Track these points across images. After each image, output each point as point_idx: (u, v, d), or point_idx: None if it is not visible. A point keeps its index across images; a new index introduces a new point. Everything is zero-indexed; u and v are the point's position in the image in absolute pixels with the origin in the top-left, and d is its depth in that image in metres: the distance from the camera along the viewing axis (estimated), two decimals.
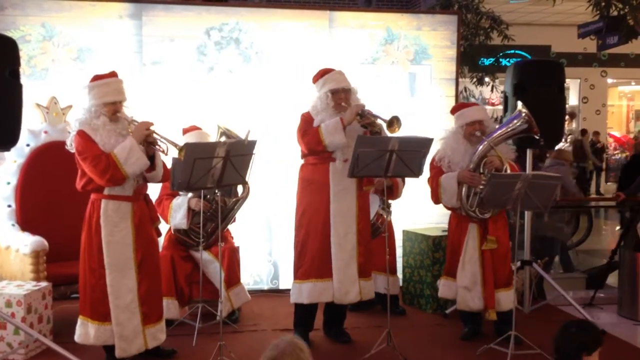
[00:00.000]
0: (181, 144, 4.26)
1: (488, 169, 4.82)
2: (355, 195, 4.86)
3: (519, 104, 4.97)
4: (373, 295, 5.02)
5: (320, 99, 4.81)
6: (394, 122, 4.59)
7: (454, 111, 5.16)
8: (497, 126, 5.10)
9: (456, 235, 5.05)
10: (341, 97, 4.79)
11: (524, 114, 4.84)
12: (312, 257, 4.81)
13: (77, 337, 4.40)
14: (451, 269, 5.08)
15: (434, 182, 5.00)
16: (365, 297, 4.91)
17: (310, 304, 4.86)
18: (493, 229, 4.91)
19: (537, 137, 4.94)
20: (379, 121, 4.75)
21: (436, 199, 5.03)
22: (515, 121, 4.89)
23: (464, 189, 4.88)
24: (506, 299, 4.92)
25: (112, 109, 4.33)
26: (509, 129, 4.90)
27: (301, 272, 4.85)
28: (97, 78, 4.39)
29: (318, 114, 4.78)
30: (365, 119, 4.75)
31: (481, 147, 4.87)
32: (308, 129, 4.74)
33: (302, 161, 4.99)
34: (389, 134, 4.68)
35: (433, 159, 5.07)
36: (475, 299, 4.95)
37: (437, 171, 5.02)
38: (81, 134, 4.28)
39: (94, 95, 4.33)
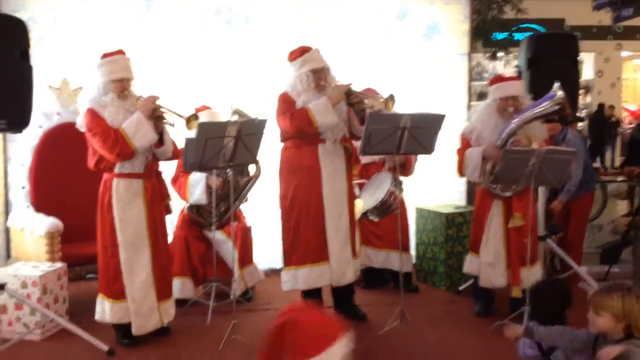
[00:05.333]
0: (187, 115, 4.26)
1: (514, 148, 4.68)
2: (345, 176, 4.82)
3: (556, 85, 4.70)
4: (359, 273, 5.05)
5: (301, 79, 4.70)
6: (388, 102, 4.54)
7: (492, 83, 4.98)
8: (531, 103, 4.87)
9: (480, 211, 4.97)
10: (321, 76, 4.71)
11: (558, 95, 4.62)
12: (306, 242, 4.73)
13: (96, 315, 4.47)
14: (475, 244, 5.02)
15: (461, 154, 4.92)
16: (357, 277, 4.93)
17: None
18: (518, 205, 4.77)
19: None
20: (367, 101, 4.66)
21: (460, 171, 4.97)
22: (547, 102, 4.67)
23: (487, 165, 4.79)
24: (532, 275, 4.82)
25: (120, 86, 4.36)
26: (541, 109, 4.69)
27: (295, 257, 4.77)
28: (105, 56, 4.42)
29: (300, 94, 4.69)
30: (354, 97, 4.68)
31: (511, 124, 4.72)
32: (295, 112, 4.63)
33: (281, 144, 4.88)
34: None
35: (465, 131, 5.00)
36: (499, 276, 4.88)
37: (465, 143, 4.93)
38: (90, 111, 4.33)
39: (102, 72, 4.37)
